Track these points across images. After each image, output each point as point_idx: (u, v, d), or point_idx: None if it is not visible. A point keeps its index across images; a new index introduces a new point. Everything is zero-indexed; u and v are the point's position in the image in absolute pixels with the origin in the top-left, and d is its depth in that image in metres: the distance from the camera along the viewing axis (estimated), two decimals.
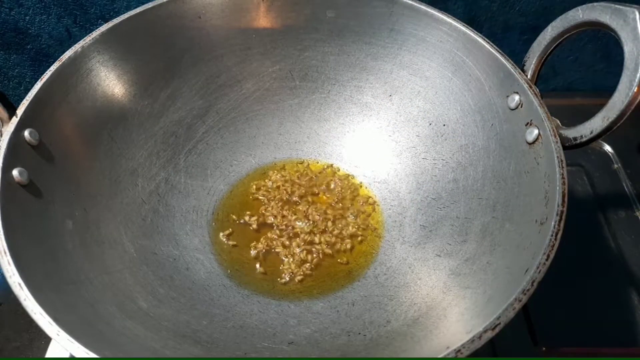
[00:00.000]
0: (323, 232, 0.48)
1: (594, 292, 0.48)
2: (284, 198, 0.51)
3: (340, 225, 0.49)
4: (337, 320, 0.41)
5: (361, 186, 0.52)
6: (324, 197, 0.51)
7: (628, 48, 0.35)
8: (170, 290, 0.41)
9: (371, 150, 0.53)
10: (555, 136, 0.37)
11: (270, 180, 0.52)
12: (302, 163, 0.53)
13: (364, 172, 0.53)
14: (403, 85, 0.51)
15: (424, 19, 0.47)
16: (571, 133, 0.38)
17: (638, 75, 0.34)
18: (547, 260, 0.31)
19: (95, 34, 0.44)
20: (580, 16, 0.38)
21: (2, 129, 0.37)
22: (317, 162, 0.54)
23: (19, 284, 0.31)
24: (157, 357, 0.34)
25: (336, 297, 0.44)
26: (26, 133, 0.37)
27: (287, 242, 0.47)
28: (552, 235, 0.32)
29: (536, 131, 0.39)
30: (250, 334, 0.40)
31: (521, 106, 0.41)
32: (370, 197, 0.51)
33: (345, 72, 0.53)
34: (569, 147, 0.38)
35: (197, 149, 0.51)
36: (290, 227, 0.48)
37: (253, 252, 0.47)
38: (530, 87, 0.40)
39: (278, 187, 0.51)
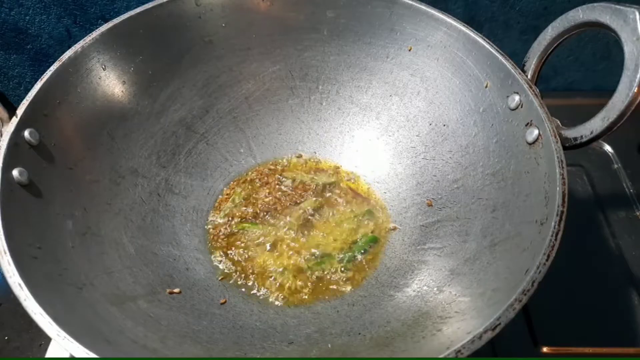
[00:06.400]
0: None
1: (594, 292, 0.48)
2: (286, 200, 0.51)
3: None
4: (337, 320, 0.41)
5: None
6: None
7: (628, 48, 0.35)
8: None
9: (371, 151, 0.53)
10: (555, 136, 0.37)
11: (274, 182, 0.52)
12: (300, 157, 0.54)
13: (364, 172, 0.53)
14: (403, 85, 0.51)
15: (424, 19, 0.47)
16: (571, 133, 0.38)
17: (638, 75, 0.34)
18: (547, 260, 0.31)
19: (95, 34, 0.44)
20: (581, 16, 0.38)
21: (2, 129, 0.37)
22: (319, 162, 0.54)
23: (19, 284, 0.31)
24: (157, 357, 0.34)
25: (336, 298, 0.44)
26: (26, 133, 0.37)
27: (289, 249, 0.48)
28: (552, 236, 0.32)
29: (536, 131, 0.39)
30: (250, 334, 0.40)
31: (521, 106, 0.41)
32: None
33: (345, 72, 0.53)
34: (569, 147, 0.38)
35: (197, 149, 0.51)
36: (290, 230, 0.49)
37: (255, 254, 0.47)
38: (530, 87, 0.40)
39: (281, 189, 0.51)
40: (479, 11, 0.59)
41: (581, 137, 0.38)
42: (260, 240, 0.48)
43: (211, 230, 0.48)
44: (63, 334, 0.29)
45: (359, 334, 0.39)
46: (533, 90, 0.40)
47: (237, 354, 0.37)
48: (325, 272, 0.45)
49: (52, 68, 0.41)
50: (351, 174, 0.53)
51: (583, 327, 0.45)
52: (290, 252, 0.47)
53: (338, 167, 0.53)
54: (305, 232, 0.48)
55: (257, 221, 0.49)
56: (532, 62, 0.42)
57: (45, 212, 0.37)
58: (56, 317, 0.30)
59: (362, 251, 0.46)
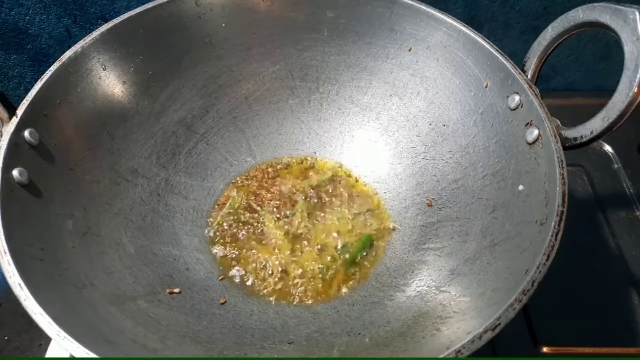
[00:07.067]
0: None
1: (594, 292, 0.48)
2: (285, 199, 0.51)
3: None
4: (337, 320, 0.41)
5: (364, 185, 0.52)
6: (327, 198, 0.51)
7: (628, 48, 0.35)
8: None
9: (371, 151, 0.53)
10: (555, 136, 0.37)
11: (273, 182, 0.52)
12: (303, 161, 0.54)
13: (364, 172, 0.53)
14: (403, 85, 0.51)
15: (424, 19, 0.47)
16: (571, 133, 0.38)
17: (638, 75, 0.34)
18: (547, 260, 0.31)
19: (95, 34, 0.44)
20: (581, 16, 0.38)
21: (2, 129, 0.37)
22: (318, 162, 0.54)
23: (19, 284, 0.31)
24: (157, 357, 0.34)
25: (336, 298, 0.44)
26: (26, 133, 0.37)
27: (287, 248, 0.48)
28: (552, 236, 0.32)
29: (536, 131, 0.39)
30: (250, 334, 0.40)
31: (521, 106, 0.41)
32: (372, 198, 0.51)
33: (345, 72, 0.53)
34: (569, 147, 0.38)
35: (197, 149, 0.51)
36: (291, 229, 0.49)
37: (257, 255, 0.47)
38: (530, 87, 0.40)
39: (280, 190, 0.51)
40: (479, 11, 0.59)
41: (581, 137, 0.38)
42: (259, 240, 0.48)
43: (211, 231, 0.48)
44: (63, 334, 0.29)
45: (359, 334, 0.39)
46: (533, 90, 0.40)
47: (237, 354, 0.37)
48: (325, 272, 0.45)
49: (52, 68, 0.41)
50: (351, 174, 0.53)
51: (583, 327, 0.45)
52: (290, 252, 0.47)
53: (338, 167, 0.53)
54: (305, 232, 0.48)
55: (256, 222, 0.49)
56: (532, 62, 0.42)
57: (45, 212, 0.37)
58: (56, 317, 0.30)
59: (362, 253, 0.46)
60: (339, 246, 0.47)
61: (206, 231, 0.48)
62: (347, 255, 0.46)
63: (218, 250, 0.47)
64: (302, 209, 0.50)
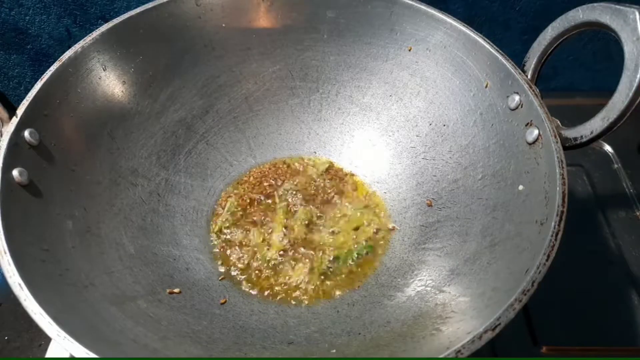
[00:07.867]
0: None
1: (594, 292, 0.48)
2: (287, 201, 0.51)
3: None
4: (337, 320, 0.41)
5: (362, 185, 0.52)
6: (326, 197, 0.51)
7: (628, 48, 0.35)
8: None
9: (371, 151, 0.53)
10: (555, 136, 0.37)
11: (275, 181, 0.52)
12: (301, 162, 0.54)
13: (364, 172, 0.53)
14: (403, 85, 0.51)
15: (424, 19, 0.47)
16: (571, 133, 0.38)
17: (638, 75, 0.34)
18: (547, 260, 0.31)
19: (95, 34, 0.44)
20: (581, 16, 0.38)
21: (2, 129, 0.37)
22: (318, 161, 0.54)
23: (19, 284, 0.31)
24: (157, 357, 0.34)
25: (336, 298, 0.44)
26: (26, 133, 0.37)
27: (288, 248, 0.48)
28: (552, 236, 0.32)
29: (536, 131, 0.39)
30: (250, 334, 0.40)
31: (521, 106, 0.41)
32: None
33: (345, 72, 0.53)
34: (569, 147, 0.38)
35: (197, 149, 0.51)
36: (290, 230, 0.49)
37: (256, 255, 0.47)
38: (530, 87, 0.40)
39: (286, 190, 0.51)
40: (479, 11, 0.59)
41: (581, 137, 0.38)
42: (259, 241, 0.48)
43: (212, 235, 0.48)
44: (63, 334, 0.29)
45: (359, 334, 0.39)
46: (533, 90, 0.40)
47: (237, 354, 0.37)
48: (326, 272, 0.45)
49: (52, 68, 0.41)
50: (351, 174, 0.53)
51: (583, 327, 0.45)
52: (290, 254, 0.47)
53: (337, 168, 0.53)
54: (305, 233, 0.48)
55: (256, 222, 0.49)
56: (532, 62, 0.42)
57: (45, 212, 0.37)
58: (56, 317, 0.30)
59: (361, 254, 0.46)
60: (340, 248, 0.47)
61: (210, 239, 0.48)
62: (347, 258, 0.46)
63: (220, 248, 0.47)
64: (303, 210, 0.50)
